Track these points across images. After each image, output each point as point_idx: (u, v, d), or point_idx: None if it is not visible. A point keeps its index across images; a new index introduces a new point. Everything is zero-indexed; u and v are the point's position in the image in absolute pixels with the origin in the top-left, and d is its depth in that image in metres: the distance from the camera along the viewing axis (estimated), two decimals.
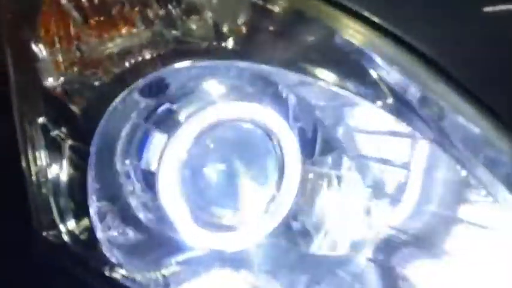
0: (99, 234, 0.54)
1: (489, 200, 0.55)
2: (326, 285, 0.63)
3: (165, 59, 0.55)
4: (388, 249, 0.63)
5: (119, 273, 0.53)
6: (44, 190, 0.56)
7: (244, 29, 0.57)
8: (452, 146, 0.53)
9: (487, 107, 0.53)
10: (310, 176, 0.67)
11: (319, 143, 0.67)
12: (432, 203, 0.61)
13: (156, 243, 0.61)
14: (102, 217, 0.58)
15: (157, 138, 0.55)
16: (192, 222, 0.56)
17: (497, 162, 0.53)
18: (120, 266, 0.53)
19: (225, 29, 0.57)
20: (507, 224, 0.55)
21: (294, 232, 0.66)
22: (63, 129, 0.57)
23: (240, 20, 0.56)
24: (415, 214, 0.62)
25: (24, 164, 0.57)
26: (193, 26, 0.57)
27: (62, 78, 0.59)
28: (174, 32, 0.57)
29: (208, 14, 0.56)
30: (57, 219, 0.55)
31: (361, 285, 0.63)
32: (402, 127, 0.58)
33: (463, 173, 0.55)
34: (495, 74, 0.54)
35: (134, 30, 0.58)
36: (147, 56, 0.56)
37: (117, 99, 0.54)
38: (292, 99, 0.65)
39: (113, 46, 0.58)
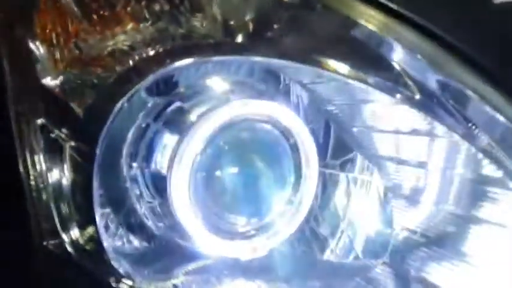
0: (105, 243, 0.50)
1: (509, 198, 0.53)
2: None
3: (172, 55, 0.52)
4: (404, 252, 0.61)
5: (126, 285, 0.50)
6: (44, 196, 0.53)
7: (251, 26, 0.54)
8: (477, 138, 0.51)
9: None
10: (323, 179, 0.65)
11: (332, 144, 0.65)
12: (449, 203, 0.58)
13: (165, 251, 0.57)
14: (107, 225, 0.54)
15: (168, 139, 0.51)
16: (205, 229, 0.52)
17: None
18: (128, 276, 0.50)
19: (233, 24, 0.53)
20: None
21: (308, 238, 0.63)
22: (64, 131, 0.53)
23: (248, 16, 0.53)
24: (432, 215, 0.59)
25: (22, 169, 0.53)
26: (200, 22, 0.54)
27: (61, 77, 0.56)
28: (180, 28, 0.54)
29: (216, 10, 0.53)
30: (59, 228, 0.51)
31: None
32: (421, 125, 0.55)
33: (484, 169, 0.53)
34: None
35: (138, 26, 0.54)
36: (152, 53, 0.52)
37: (123, 99, 0.51)
38: (304, 99, 0.62)
39: (115, 43, 0.55)
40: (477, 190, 0.56)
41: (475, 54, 0.51)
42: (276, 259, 0.58)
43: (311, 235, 0.63)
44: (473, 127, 0.51)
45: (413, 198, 0.60)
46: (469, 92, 0.50)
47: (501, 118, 0.50)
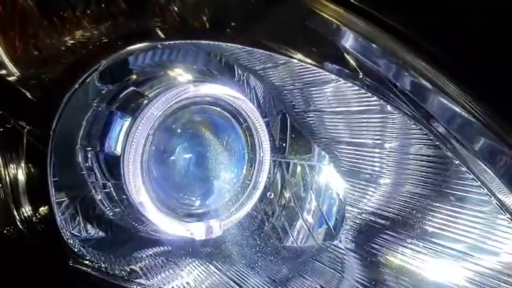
0: (60, 225, 0.50)
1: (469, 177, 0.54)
2: (309, 276, 0.60)
3: (126, 42, 0.53)
4: (368, 235, 0.61)
5: (93, 267, 0.50)
6: (1, 195, 0.53)
7: (208, 25, 0.55)
8: (432, 124, 0.51)
9: (468, 85, 0.52)
10: (282, 168, 0.66)
11: (289, 134, 0.66)
12: (408, 182, 0.59)
13: (123, 238, 0.58)
14: (63, 211, 0.55)
15: (122, 122, 0.53)
16: (160, 210, 0.53)
17: (477, 141, 0.51)
18: (86, 257, 0.50)
19: (190, 23, 0.55)
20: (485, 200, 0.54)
21: (269, 226, 0.64)
22: (21, 119, 0.54)
23: (206, 16, 0.55)
24: (392, 196, 0.60)
25: None
26: (159, 21, 0.55)
27: (18, 74, 0.57)
28: (137, 26, 0.55)
29: (174, 10, 0.55)
30: (13, 208, 0.51)
31: (343, 272, 0.61)
32: (373, 103, 0.56)
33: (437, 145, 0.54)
34: (473, 53, 0.54)
35: (97, 25, 0.56)
36: (106, 40, 0.53)
37: (76, 84, 0.52)
38: (259, 91, 0.64)
39: (73, 38, 0.56)
40: (434, 167, 0.56)
41: (432, 45, 0.53)
42: (236, 246, 0.59)
43: (272, 223, 0.64)
44: (428, 113, 0.52)
45: (371, 180, 0.61)
46: (424, 82, 0.51)
47: (456, 108, 0.52)
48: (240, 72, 0.63)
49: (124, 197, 0.53)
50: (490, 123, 0.49)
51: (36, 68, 0.56)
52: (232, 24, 0.54)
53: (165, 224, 0.53)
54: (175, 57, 0.58)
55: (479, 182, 0.50)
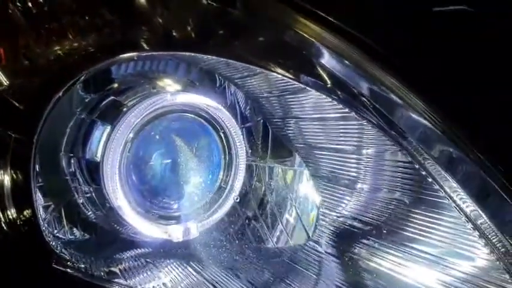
0: (43, 228, 0.53)
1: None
2: (289, 280, 0.62)
3: (109, 52, 0.55)
4: (347, 240, 0.63)
5: (74, 268, 0.52)
6: None
7: (193, 35, 0.58)
8: (404, 139, 0.53)
9: (436, 102, 0.54)
10: (262, 173, 0.68)
11: (270, 142, 0.69)
12: (384, 188, 0.61)
13: (105, 241, 0.60)
14: (48, 214, 0.58)
15: (102, 129, 0.55)
16: (138, 213, 0.55)
17: (448, 156, 0.54)
18: (68, 259, 0.52)
19: (175, 35, 0.57)
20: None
21: (250, 229, 0.66)
22: (8, 129, 0.57)
23: (191, 26, 0.57)
24: (370, 201, 0.62)
25: None
26: (144, 33, 0.57)
27: (7, 83, 0.59)
28: (122, 37, 0.58)
29: (158, 21, 0.57)
30: (1, 217, 0.54)
31: (322, 276, 0.63)
32: (348, 111, 0.57)
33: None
34: (442, 70, 0.56)
35: (82, 36, 0.58)
36: (91, 50, 0.56)
37: (60, 92, 0.54)
38: (240, 98, 0.66)
39: (60, 49, 0.58)
40: (410, 175, 0.57)
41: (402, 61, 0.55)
42: (212, 248, 0.61)
43: (253, 226, 0.67)
44: (399, 129, 0.53)
45: (349, 185, 0.63)
46: (393, 96, 0.53)
47: (422, 120, 0.53)
48: (220, 80, 0.65)
49: (105, 201, 0.56)
50: (449, 132, 0.51)
51: (25, 77, 0.59)
52: (215, 38, 0.56)
53: (143, 227, 0.56)
54: (157, 67, 0.61)
55: (442, 192, 0.52)
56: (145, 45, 0.55)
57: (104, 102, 0.57)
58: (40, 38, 0.58)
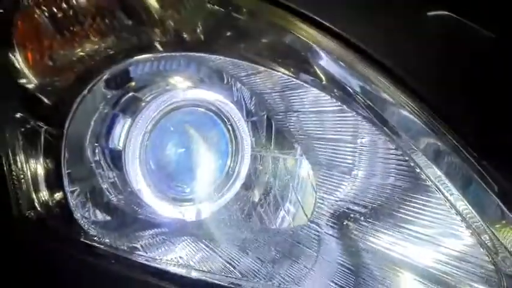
0: (73, 208, 0.60)
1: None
2: (294, 258, 0.68)
3: (127, 54, 0.62)
4: (346, 223, 0.69)
5: (100, 242, 0.59)
6: (24, 186, 0.62)
7: (202, 37, 0.64)
8: (394, 133, 0.58)
9: (425, 100, 0.58)
10: (267, 163, 0.75)
11: (273, 133, 0.75)
12: (378, 173, 0.66)
13: (126, 221, 0.68)
14: (75, 198, 0.65)
15: (123, 122, 0.63)
16: (156, 196, 0.63)
17: (435, 151, 0.57)
18: (96, 235, 0.60)
19: (185, 36, 0.63)
20: None
21: (256, 213, 0.73)
22: (39, 120, 0.63)
23: (200, 29, 0.63)
24: (366, 187, 0.67)
25: (5, 167, 0.62)
26: (157, 34, 0.63)
27: (35, 82, 0.66)
28: (138, 39, 0.64)
29: (170, 24, 0.63)
30: (35, 200, 0.61)
31: (324, 255, 0.68)
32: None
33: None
34: (433, 72, 0.60)
35: (103, 38, 0.64)
36: (111, 52, 0.62)
37: (85, 90, 0.61)
38: (245, 94, 0.72)
39: (82, 51, 0.65)
40: (403, 161, 0.61)
41: (394, 63, 0.59)
42: (222, 227, 0.69)
43: (252, 208, 0.73)
44: (390, 124, 0.58)
45: (347, 172, 0.69)
46: (383, 94, 0.58)
47: (410, 116, 0.57)
48: (227, 77, 0.72)
49: (126, 185, 0.63)
50: (435, 127, 0.57)
51: (51, 77, 0.65)
52: (221, 40, 0.62)
53: (160, 208, 0.63)
54: (170, 67, 0.68)
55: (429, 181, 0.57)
56: (159, 47, 0.62)
57: (124, 98, 0.65)
58: (65, 40, 0.64)
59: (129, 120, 0.62)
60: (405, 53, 0.61)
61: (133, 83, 0.66)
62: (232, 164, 0.68)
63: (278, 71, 0.61)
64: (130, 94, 0.64)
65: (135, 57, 0.61)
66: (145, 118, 0.61)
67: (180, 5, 0.63)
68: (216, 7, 0.62)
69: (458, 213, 0.56)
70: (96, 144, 0.65)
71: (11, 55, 0.65)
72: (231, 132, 0.67)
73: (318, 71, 0.60)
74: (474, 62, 0.62)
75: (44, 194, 0.60)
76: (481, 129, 0.58)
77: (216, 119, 0.67)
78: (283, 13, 0.61)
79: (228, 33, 0.63)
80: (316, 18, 0.61)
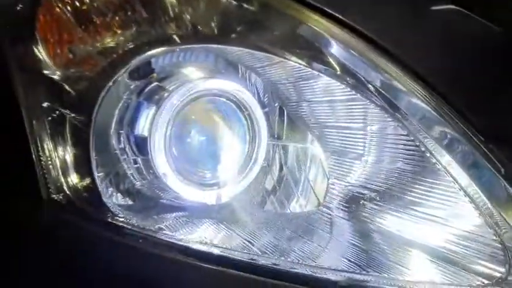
0: (102, 194, 0.63)
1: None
2: (308, 237, 0.70)
3: (148, 47, 0.65)
4: (356, 205, 0.71)
5: (128, 223, 0.62)
6: (53, 173, 0.64)
7: (216, 30, 0.67)
8: (406, 120, 0.60)
9: (436, 90, 0.61)
10: (280, 151, 0.79)
11: (286, 124, 0.78)
12: (387, 158, 0.68)
13: (150, 205, 0.71)
14: (100, 183, 0.68)
15: (148, 110, 0.66)
16: (180, 180, 0.66)
17: (445, 136, 0.60)
18: (122, 215, 0.63)
19: (201, 29, 0.66)
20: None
21: (270, 198, 0.77)
22: (65, 108, 0.66)
23: (214, 23, 0.65)
24: (376, 172, 0.70)
25: (34, 154, 0.64)
26: (174, 28, 0.65)
27: (58, 73, 0.68)
28: (156, 32, 0.67)
29: (186, 18, 0.66)
30: (62, 179, 0.64)
31: (336, 235, 0.71)
32: (355, 94, 0.64)
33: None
34: (440, 62, 0.63)
35: (123, 31, 0.67)
36: (132, 45, 0.65)
37: (110, 82, 0.64)
38: (259, 86, 0.76)
39: (103, 44, 0.68)
40: (411, 146, 0.63)
41: (403, 53, 0.61)
42: (241, 211, 0.72)
43: (267, 193, 0.77)
44: (402, 112, 0.61)
45: (357, 158, 0.71)
46: (395, 82, 0.61)
47: (421, 104, 0.59)
48: (242, 69, 0.75)
49: (151, 170, 0.67)
50: (445, 114, 0.59)
51: (74, 68, 0.67)
52: (236, 31, 0.65)
53: (184, 191, 0.67)
54: (189, 58, 0.71)
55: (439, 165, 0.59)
56: (177, 39, 0.65)
57: (148, 88, 0.68)
58: (85, 33, 0.67)
59: (153, 109, 0.65)
60: (414, 43, 0.64)
61: (155, 74, 0.69)
62: (250, 150, 0.71)
63: (292, 61, 0.64)
64: (154, 84, 0.68)
65: (156, 50, 0.64)
66: (170, 107, 0.65)
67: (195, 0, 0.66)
68: (229, 0, 0.64)
69: (466, 195, 0.59)
70: (121, 131, 0.68)
71: (34, 48, 0.68)
72: (248, 120, 0.71)
73: (331, 60, 0.63)
74: (480, 52, 0.65)
75: (73, 179, 0.64)
76: (488, 114, 0.61)
77: (235, 107, 0.70)
78: (295, 4, 0.63)
79: (242, 25, 0.65)
80: (327, 9, 0.63)
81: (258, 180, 0.74)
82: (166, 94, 0.66)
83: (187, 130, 0.68)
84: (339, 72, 0.64)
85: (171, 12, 0.66)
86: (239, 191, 0.70)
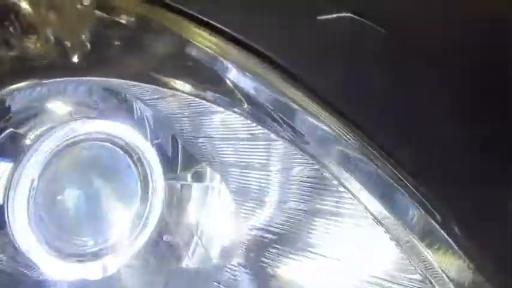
0: None
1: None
2: None
3: (2, 80, 0.50)
4: (257, 251, 0.65)
5: None
6: None
7: (89, 45, 0.54)
8: (306, 144, 0.55)
9: (335, 108, 0.55)
10: (175, 191, 0.67)
11: (181, 157, 0.67)
12: (291, 200, 0.63)
13: (12, 285, 0.56)
14: None
15: (2, 168, 0.50)
16: (50, 254, 0.52)
17: (347, 157, 0.55)
18: None
19: (68, 45, 0.54)
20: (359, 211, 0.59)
21: (163, 249, 0.65)
22: None
23: (85, 36, 0.54)
24: (277, 213, 0.64)
25: None
26: (34, 44, 0.53)
27: None
28: (10, 52, 0.53)
29: (49, 31, 0.53)
30: None
31: None
32: (258, 131, 0.59)
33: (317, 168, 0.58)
34: (338, 77, 0.57)
35: None
36: None
37: None
38: (148, 115, 0.64)
39: None
40: (314, 186, 0.59)
41: (301, 72, 0.55)
42: (131, 275, 0.59)
43: (166, 247, 0.65)
44: (300, 135, 0.55)
45: (259, 199, 0.65)
46: (294, 105, 0.54)
47: (321, 125, 0.54)
48: (126, 97, 0.62)
49: (9, 245, 0.51)
50: (344, 134, 0.54)
51: None
52: (110, 51, 0.54)
53: (57, 269, 0.52)
54: (56, 90, 0.57)
55: (349, 193, 0.54)
56: (43, 72, 0.51)
57: (1, 136, 0.52)
58: None
59: (10, 166, 0.50)
60: (312, 58, 0.56)
61: (13, 115, 0.54)
62: (142, 204, 0.58)
63: (183, 92, 0.54)
64: (9, 130, 0.52)
65: (13, 86, 0.49)
66: (32, 161, 0.49)
67: (59, 10, 0.55)
68: (100, 12, 0.54)
69: (380, 224, 0.52)
70: None
71: None
72: (139, 165, 0.58)
73: (228, 84, 0.55)
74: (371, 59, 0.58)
75: None
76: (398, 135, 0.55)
77: (120, 151, 0.56)
78: (179, 19, 0.54)
79: (117, 43, 0.55)
80: (215, 24, 0.54)
81: (154, 236, 0.62)
82: (27, 144, 0.50)
83: (57, 188, 0.52)
84: (246, 107, 0.55)
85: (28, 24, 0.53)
86: (131, 255, 0.57)
